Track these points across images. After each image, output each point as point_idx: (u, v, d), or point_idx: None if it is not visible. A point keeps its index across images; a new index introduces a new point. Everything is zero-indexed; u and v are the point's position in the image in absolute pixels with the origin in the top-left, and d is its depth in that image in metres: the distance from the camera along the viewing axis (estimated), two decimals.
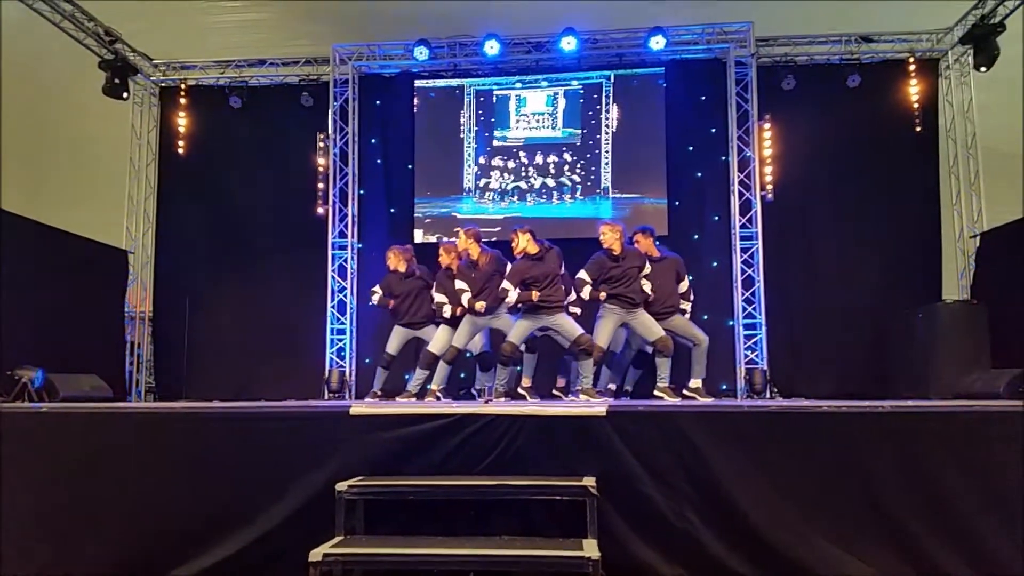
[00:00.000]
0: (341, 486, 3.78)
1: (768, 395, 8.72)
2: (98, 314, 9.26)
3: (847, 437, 3.88)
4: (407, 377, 7.73)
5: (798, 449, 3.90)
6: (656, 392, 6.49)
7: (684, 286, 7.01)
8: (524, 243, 6.52)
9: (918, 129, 9.29)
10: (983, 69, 8.70)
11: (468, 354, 7.32)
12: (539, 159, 9.74)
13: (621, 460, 3.95)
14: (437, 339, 6.95)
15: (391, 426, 4.15)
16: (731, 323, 9.16)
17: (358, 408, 4.24)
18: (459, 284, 6.72)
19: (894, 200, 9.30)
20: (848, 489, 3.82)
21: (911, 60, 9.36)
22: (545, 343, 6.96)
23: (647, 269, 6.68)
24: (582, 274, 6.53)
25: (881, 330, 8.97)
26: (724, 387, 9.08)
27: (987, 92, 9.24)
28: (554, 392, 7.13)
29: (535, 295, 6.34)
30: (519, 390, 6.82)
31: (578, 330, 6.39)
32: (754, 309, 9.10)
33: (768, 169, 9.34)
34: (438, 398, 6.90)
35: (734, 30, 9.37)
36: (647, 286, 6.60)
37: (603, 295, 6.48)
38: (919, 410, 3.97)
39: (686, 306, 7.03)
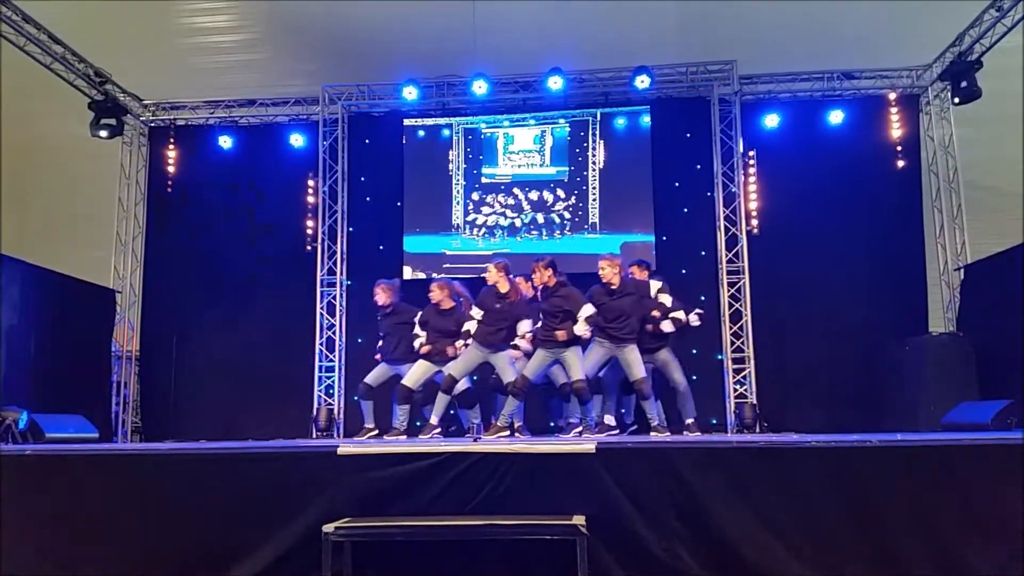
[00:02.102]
0: (328, 528, 3.74)
1: (758, 429, 8.70)
2: (85, 354, 9.20)
3: (836, 471, 3.87)
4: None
5: (787, 484, 3.89)
6: (652, 435, 6.48)
7: (667, 326, 6.80)
8: (545, 277, 6.52)
9: (900, 164, 9.43)
10: (957, 100, 8.76)
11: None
12: (528, 196, 9.82)
13: (611, 498, 3.93)
14: (412, 373, 6.93)
15: (379, 466, 4.11)
16: (720, 357, 9.18)
17: (346, 448, 4.21)
18: (475, 311, 6.69)
19: (879, 234, 9.40)
20: (838, 523, 3.81)
21: (892, 96, 9.53)
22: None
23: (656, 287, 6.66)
24: (590, 309, 6.41)
25: (869, 363, 9.00)
26: (714, 421, 9.07)
27: (967, 127, 9.41)
28: (557, 435, 7.07)
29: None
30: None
31: (580, 374, 6.36)
32: (742, 343, 9.12)
33: (753, 204, 9.46)
34: (435, 428, 6.82)
35: (718, 68, 9.53)
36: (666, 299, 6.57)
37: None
38: (908, 444, 3.98)
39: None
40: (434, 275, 9.53)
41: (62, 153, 10.71)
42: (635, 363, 6.46)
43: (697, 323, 6.95)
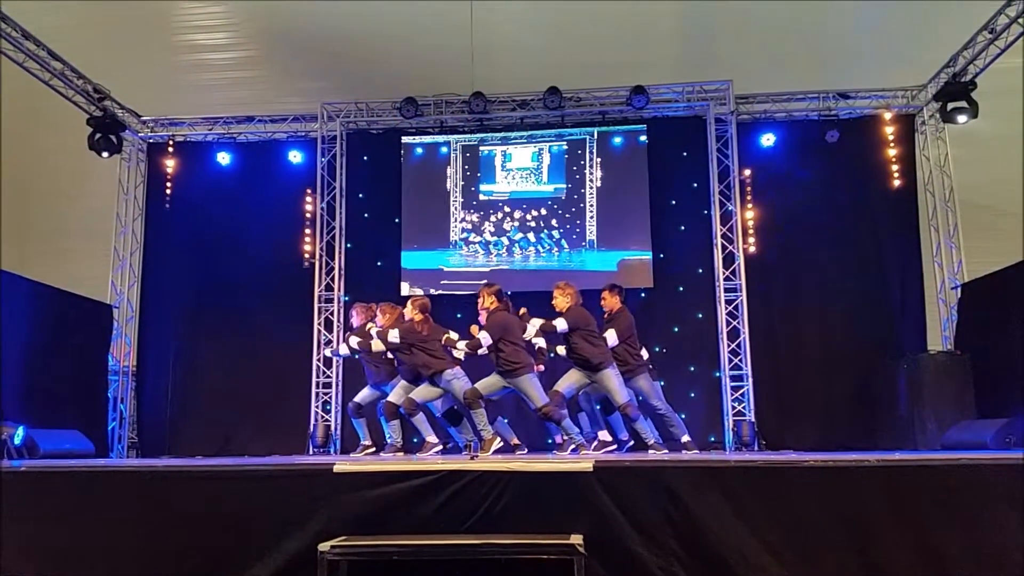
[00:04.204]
0: (324, 546, 3.72)
1: (756, 447, 8.69)
2: (82, 369, 9.16)
3: (834, 490, 3.86)
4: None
5: (785, 503, 3.88)
6: (651, 452, 6.47)
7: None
8: (487, 303, 6.65)
9: (896, 183, 9.47)
10: (962, 119, 8.73)
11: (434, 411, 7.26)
12: (525, 213, 9.84)
13: (608, 516, 3.92)
14: (396, 391, 6.98)
15: (376, 484, 4.09)
16: (718, 375, 9.17)
17: (342, 465, 4.19)
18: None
19: (877, 252, 9.43)
20: (836, 542, 3.79)
21: (888, 116, 9.59)
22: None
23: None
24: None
25: (867, 381, 8.99)
26: (712, 439, 9.05)
27: (962, 147, 9.45)
28: (554, 452, 7.06)
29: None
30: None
31: (540, 400, 6.36)
32: (740, 360, 9.12)
33: (750, 223, 9.48)
34: (435, 446, 6.85)
35: (714, 88, 9.59)
36: (611, 336, 6.58)
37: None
38: (906, 463, 3.97)
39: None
40: (432, 291, 9.56)
41: (60, 169, 10.72)
42: (613, 390, 6.47)
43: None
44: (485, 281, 7.09)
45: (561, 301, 6.60)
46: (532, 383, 6.40)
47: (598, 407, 7.07)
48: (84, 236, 10.73)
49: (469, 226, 9.91)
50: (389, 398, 6.99)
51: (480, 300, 6.71)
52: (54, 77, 9.00)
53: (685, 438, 6.79)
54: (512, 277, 9.35)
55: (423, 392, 6.78)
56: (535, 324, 6.49)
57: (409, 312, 6.94)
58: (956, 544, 3.69)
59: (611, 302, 6.96)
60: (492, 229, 9.88)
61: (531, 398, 6.38)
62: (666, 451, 6.45)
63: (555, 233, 9.76)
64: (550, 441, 7.32)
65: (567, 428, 6.39)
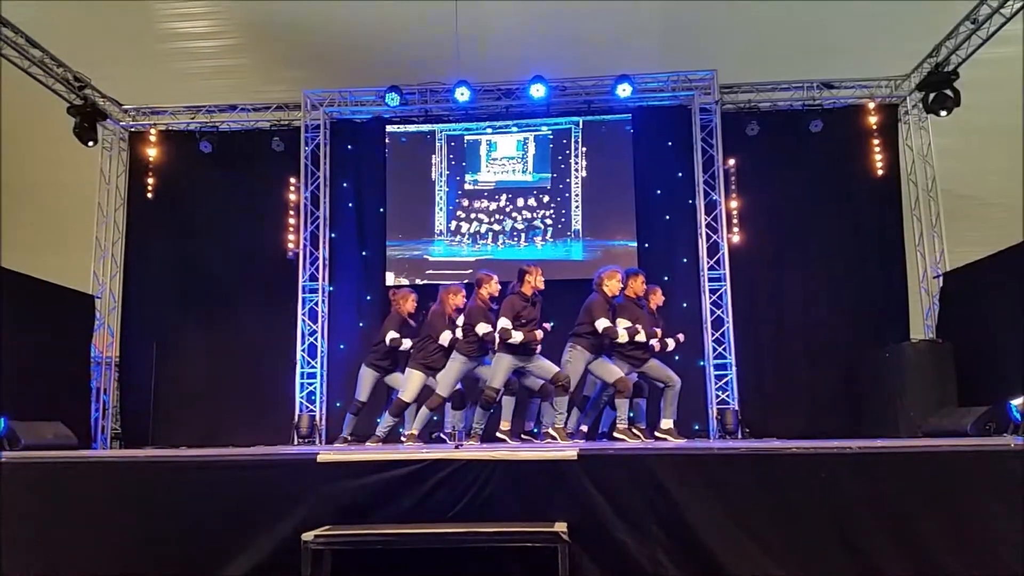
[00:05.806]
0: (307, 536, 3.71)
1: (740, 435, 8.74)
2: (64, 360, 9.07)
3: (817, 478, 3.89)
4: (378, 420, 7.64)
5: (769, 490, 3.90)
6: (616, 435, 6.46)
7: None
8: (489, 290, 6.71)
9: (880, 172, 9.52)
10: (943, 113, 8.83)
11: None
12: (510, 203, 9.82)
13: (593, 504, 3.93)
14: (409, 387, 6.87)
15: (360, 473, 4.08)
16: (702, 363, 9.21)
17: (326, 455, 4.18)
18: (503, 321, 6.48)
19: (860, 242, 9.48)
20: (819, 530, 3.82)
21: (871, 106, 9.63)
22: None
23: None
24: (604, 322, 6.50)
25: (850, 369, 9.07)
26: (696, 427, 9.10)
27: (945, 136, 9.51)
28: (523, 436, 7.07)
29: (539, 334, 6.38)
30: (497, 434, 6.76)
31: (555, 368, 6.42)
32: (724, 349, 9.16)
33: (734, 212, 9.51)
34: (416, 438, 6.83)
35: (698, 78, 9.59)
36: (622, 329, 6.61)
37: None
38: (888, 450, 4.00)
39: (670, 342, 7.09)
40: (417, 281, 9.53)
41: (40, 158, 10.59)
42: (609, 366, 6.58)
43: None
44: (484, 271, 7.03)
45: (613, 285, 6.73)
46: (544, 358, 6.51)
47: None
48: (65, 226, 10.62)
49: (454, 215, 9.89)
50: (402, 396, 6.88)
51: (484, 288, 6.67)
52: (33, 65, 8.89)
53: (667, 424, 6.82)
54: (497, 267, 9.30)
55: (446, 381, 6.69)
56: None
57: (452, 297, 6.93)
58: (937, 531, 3.72)
59: (635, 287, 6.96)
60: (477, 218, 9.85)
61: (547, 371, 6.44)
62: (639, 441, 6.43)
63: (539, 223, 9.75)
64: (523, 436, 7.32)
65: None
